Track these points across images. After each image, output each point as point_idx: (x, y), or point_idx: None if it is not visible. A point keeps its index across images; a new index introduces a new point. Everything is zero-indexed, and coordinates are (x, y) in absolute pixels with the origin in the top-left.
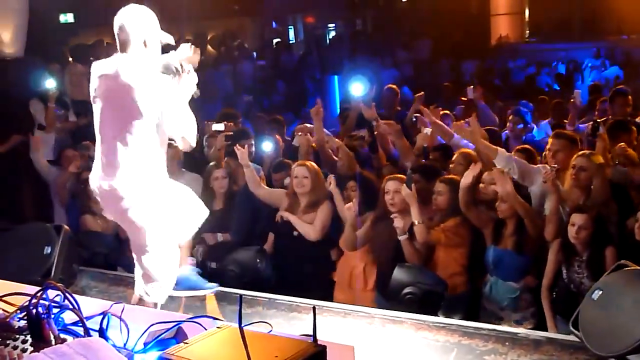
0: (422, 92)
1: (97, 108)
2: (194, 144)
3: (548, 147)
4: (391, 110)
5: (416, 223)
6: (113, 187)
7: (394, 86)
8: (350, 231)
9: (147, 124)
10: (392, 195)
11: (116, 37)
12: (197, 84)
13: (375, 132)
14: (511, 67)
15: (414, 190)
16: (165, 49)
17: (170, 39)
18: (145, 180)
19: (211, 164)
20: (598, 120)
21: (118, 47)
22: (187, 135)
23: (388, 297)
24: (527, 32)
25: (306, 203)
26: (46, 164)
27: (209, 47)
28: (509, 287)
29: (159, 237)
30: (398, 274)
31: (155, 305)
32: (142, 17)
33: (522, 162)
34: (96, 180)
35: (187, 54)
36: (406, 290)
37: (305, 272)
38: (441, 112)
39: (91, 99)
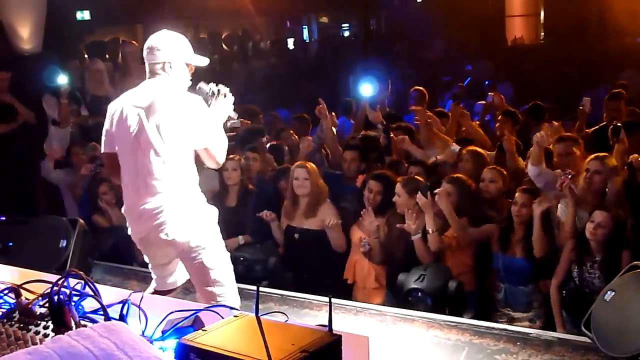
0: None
1: (122, 137)
2: (221, 162)
3: (556, 152)
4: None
5: (430, 232)
6: (155, 211)
7: (421, 87)
8: (375, 244)
9: (179, 145)
10: (396, 198)
11: (146, 61)
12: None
13: (392, 135)
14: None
15: (429, 198)
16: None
17: (204, 62)
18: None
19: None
20: (618, 124)
21: (147, 73)
22: (216, 154)
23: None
24: (542, 33)
25: (307, 204)
26: (53, 171)
27: (223, 45)
28: (520, 292)
29: (214, 251)
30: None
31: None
32: (173, 42)
33: (549, 171)
34: (134, 208)
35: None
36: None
37: (316, 270)
38: (460, 110)
39: (112, 128)
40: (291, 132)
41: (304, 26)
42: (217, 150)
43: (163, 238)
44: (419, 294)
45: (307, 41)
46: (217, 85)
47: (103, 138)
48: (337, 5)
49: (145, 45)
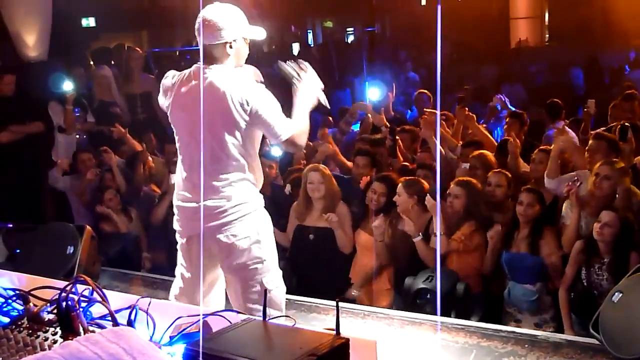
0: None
1: (181, 122)
2: (302, 145)
3: (587, 147)
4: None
5: (438, 234)
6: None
7: (426, 91)
8: (381, 246)
9: (245, 131)
10: (396, 197)
11: (201, 42)
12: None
13: (397, 137)
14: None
15: (438, 201)
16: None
17: (262, 34)
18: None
19: None
20: (626, 124)
21: (201, 51)
22: (300, 143)
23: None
24: (547, 35)
25: (322, 208)
26: (61, 179)
27: None
28: (526, 290)
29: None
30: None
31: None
32: (234, 16)
33: (565, 178)
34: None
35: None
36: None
37: (322, 271)
38: (466, 113)
39: (169, 112)
40: None
41: (308, 30)
42: (301, 139)
43: (223, 240)
44: (428, 294)
45: (312, 45)
46: (300, 64)
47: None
48: (342, 9)
49: (201, 23)
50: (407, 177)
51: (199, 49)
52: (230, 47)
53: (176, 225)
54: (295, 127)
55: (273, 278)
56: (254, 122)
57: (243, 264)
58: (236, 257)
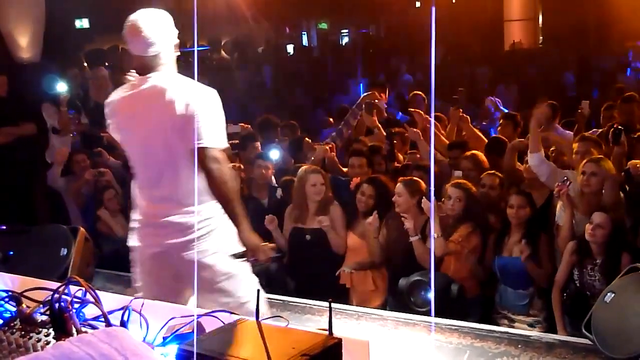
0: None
1: (131, 139)
2: (222, 178)
3: (575, 150)
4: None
5: (435, 237)
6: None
7: (420, 92)
8: (375, 244)
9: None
10: (396, 197)
11: (136, 54)
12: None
13: (395, 141)
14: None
15: (434, 203)
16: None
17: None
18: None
19: None
20: (619, 127)
21: (140, 68)
22: (221, 163)
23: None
24: (541, 37)
25: (315, 209)
26: (59, 178)
27: (222, 52)
28: (517, 294)
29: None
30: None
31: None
32: (164, 23)
33: (552, 165)
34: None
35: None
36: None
37: (316, 273)
38: (460, 114)
39: (118, 134)
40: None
41: (303, 32)
42: (224, 174)
43: (190, 258)
44: (423, 286)
45: (307, 46)
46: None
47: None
48: (337, 11)
49: (133, 34)
50: (406, 177)
51: (192, 50)
52: (167, 54)
53: (134, 242)
54: (229, 170)
55: (245, 289)
56: (191, 122)
57: (211, 280)
58: (205, 273)
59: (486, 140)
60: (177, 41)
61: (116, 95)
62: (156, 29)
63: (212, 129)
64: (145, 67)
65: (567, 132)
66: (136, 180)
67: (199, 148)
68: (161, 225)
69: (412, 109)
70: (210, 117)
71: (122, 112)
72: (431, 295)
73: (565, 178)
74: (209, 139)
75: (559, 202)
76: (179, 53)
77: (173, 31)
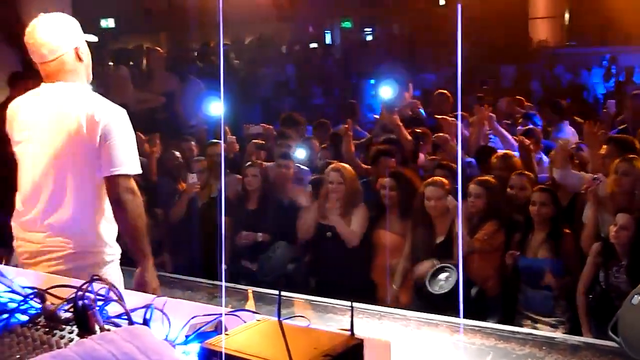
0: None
1: (28, 152)
2: (130, 207)
3: (602, 152)
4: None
5: (460, 234)
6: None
7: (445, 91)
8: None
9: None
10: (434, 202)
11: (40, 62)
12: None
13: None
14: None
15: (460, 202)
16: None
17: (94, 38)
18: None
19: (247, 164)
20: None
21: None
22: (133, 191)
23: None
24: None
25: (341, 205)
26: None
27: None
28: (542, 295)
29: None
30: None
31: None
32: (69, 27)
33: (575, 173)
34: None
35: None
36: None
37: (343, 272)
38: (486, 113)
39: (18, 142)
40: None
41: (326, 31)
42: (134, 202)
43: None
44: (448, 272)
45: (330, 45)
46: None
47: None
48: (360, 9)
49: (28, 40)
50: (434, 179)
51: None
52: (71, 60)
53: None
54: (138, 200)
55: None
56: (101, 143)
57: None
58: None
59: (511, 138)
60: (83, 47)
61: (16, 109)
62: (53, 32)
63: (127, 154)
64: (49, 75)
65: (570, 131)
66: (22, 200)
67: (111, 177)
68: (40, 252)
69: (439, 116)
70: (124, 140)
71: (22, 127)
72: (459, 296)
73: (596, 176)
74: (124, 166)
75: (587, 202)
76: (87, 62)
77: (76, 35)
